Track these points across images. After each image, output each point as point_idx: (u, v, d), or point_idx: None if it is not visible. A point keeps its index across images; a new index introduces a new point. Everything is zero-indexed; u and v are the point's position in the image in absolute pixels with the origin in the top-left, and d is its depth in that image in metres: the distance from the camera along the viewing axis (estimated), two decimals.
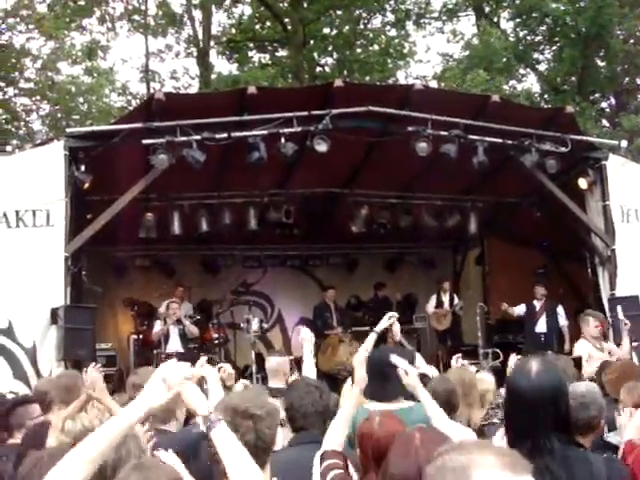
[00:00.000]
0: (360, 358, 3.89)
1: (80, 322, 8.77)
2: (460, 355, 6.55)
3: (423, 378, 5.45)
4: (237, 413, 2.85)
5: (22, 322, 8.71)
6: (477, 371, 6.55)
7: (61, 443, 3.82)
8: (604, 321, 9.67)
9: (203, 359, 4.76)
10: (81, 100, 23.90)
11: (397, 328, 6.15)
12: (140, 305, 13.46)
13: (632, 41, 22.66)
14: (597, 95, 24.64)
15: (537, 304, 12.17)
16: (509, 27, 25.82)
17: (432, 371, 6.13)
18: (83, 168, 9.19)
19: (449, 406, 4.65)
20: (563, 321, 12.03)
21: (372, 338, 5.83)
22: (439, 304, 14.04)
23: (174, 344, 11.57)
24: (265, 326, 14.48)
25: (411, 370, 4.09)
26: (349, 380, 4.71)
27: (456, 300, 14.04)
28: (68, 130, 10.16)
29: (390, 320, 6.12)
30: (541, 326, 12.08)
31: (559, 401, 2.81)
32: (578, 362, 7.42)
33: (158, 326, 11.72)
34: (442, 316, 14.02)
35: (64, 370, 8.06)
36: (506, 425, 2.90)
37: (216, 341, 13.20)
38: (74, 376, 5.73)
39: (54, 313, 8.73)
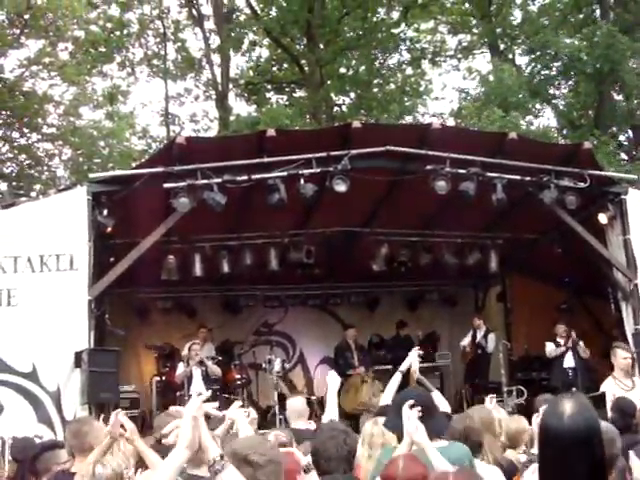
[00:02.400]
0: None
1: (104, 365, 8.79)
2: (494, 395, 6.51)
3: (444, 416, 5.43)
4: (237, 459, 2.86)
5: (46, 366, 8.77)
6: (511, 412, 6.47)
7: None
8: (633, 354, 9.47)
9: (237, 403, 4.81)
10: (102, 144, 24.26)
11: (416, 366, 6.12)
12: (162, 347, 13.49)
13: None
14: (615, 129, 24.62)
15: (560, 341, 12.06)
16: (524, 63, 26.04)
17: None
18: (106, 212, 9.30)
19: (469, 444, 4.61)
20: (585, 354, 11.88)
21: (397, 378, 5.80)
22: (473, 340, 13.93)
23: (197, 386, 11.56)
24: (287, 366, 14.44)
25: (420, 427, 4.04)
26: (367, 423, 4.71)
27: (491, 336, 13.84)
28: (91, 175, 10.32)
29: (415, 356, 6.10)
30: (569, 361, 11.93)
31: (594, 445, 2.70)
32: (599, 400, 7.31)
33: (181, 368, 11.73)
34: (468, 350, 13.91)
35: (79, 415, 8.08)
36: (539, 468, 2.85)
37: (238, 382, 13.18)
38: (81, 421, 5.73)
39: (78, 357, 8.77)
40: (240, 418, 4.48)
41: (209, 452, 2.71)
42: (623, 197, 11.06)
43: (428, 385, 6.05)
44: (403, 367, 5.93)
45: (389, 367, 13.20)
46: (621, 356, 9.07)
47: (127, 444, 4.80)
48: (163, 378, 13.05)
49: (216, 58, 26.59)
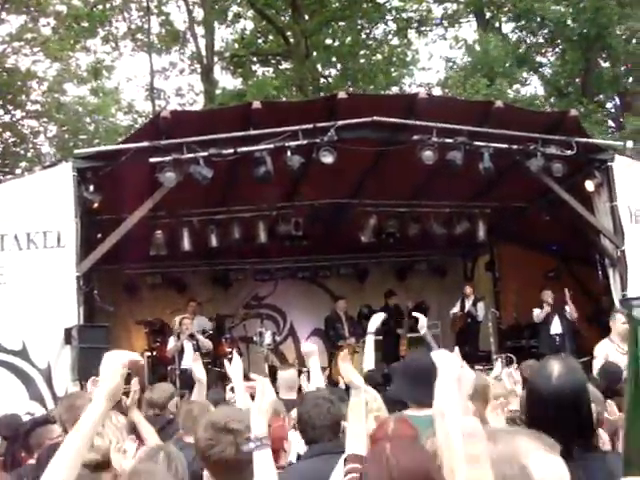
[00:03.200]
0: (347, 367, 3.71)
1: (94, 341, 8.78)
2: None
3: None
4: (217, 428, 2.87)
5: (36, 343, 8.78)
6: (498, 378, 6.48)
7: (86, 461, 3.85)
8: None
9: (236, 356, 4.80)
10: (88, 120, 24.08)
11: (423, 321, 6.10)
12: (152, 323, 13.50)
13: (634, 41, 22.61)
14: (602, 97, 24.60)
15: (548, 307, 12.15)
16: (510, 31, 25.89)
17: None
18: (92, 188, 9.27)
19: None
20: (573, 315, 11.94)
21: (370, 340, 5.80)
22: (462, 309, 13.99)
23: (188, 359, 11.58)
24: (278, 339, 14.50)
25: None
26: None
27: (480, 304, 13.91)
28: (76, 151, 10.26)
29: (380, 318, 6.10)
30: (556, 327, 12.06)
31: (581, 405, 2.74)
32: (587, 364, 7.37)
33: (172, 342, 11.75)
34: (458, 319, 13.98)
35: (69, 392, 8.10)
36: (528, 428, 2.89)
37: (230, 355, 13.20)
38: (75, 396, 5.75)
39: (68, 333, 8.78)
40: (236, 375, 4.44)
41: (255, 429, 2.73)
42: (610, 164, 11.09)
43: (432, 344, 6.06)
44: (371, 328, 5.92)
45: (380, 337, 13.24)
46: (620, 321, 9.12)
47: (119, 417, 4.83)
48: (154, 353, 13.06)
49: (200, 31, 26.34)
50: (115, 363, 2.70)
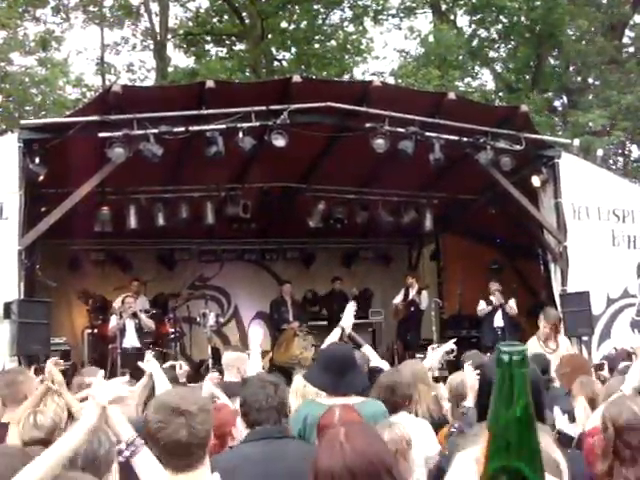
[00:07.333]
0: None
1: (34, 317, 8.65)
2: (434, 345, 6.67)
3: (377, 372, 5.51)
4: (168, 410, 2.84)
5: None
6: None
7: (29, 439, 3.82)
8: (555, 322, 9.82)
9: (148, 355, 4.82)
10: (35, 91, 23.50)
11: (349, 322, 6.15)
12: (95, 299, 13.30)
13: (583, 42, 23.03)
14: (550, 94, 25.02)
15: (493, 299, 12.32)
16: (465, 24, 26.13)
17: (384, 364, 6.13)
18: (38, 160, 9.07)
19: (393, 398, 4.69)
20: (512, 311, 12.16)
21: (337, 333, 5.83)
22: (406, 298, 14.05)
23: (130, 339, 11.50)
24: (221, 320, 14.44)
25: None
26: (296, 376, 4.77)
27: (424, 293, 13.99)
28: (22, 122, 10.05)
29: (352, 311, 6.13)
30: (498, 320, 12.24)
31: (535, 398, 2.79)
32: None
33: (114, 321, 11.62)
34: (400, 308, 14.04)
35: (9, 367, 7.96)
36: (479, 420, 2.91)
37: (172, 335, 13.13)
38: (16, 371, 5.68)
39: (7, 307, 8.62)
40: (156, 370, 4.48)
41: (122, 436, 2.67)
42: (556, 161, 11.28)
43: (359, 340, 6.11)
44: (344, 323, 5.87)
45: (324, 323, 13.35)
46: (542, 324, 9.56)
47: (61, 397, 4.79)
48: (95, 330, 12.90)
49: (155, 7, 25.96)
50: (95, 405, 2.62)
